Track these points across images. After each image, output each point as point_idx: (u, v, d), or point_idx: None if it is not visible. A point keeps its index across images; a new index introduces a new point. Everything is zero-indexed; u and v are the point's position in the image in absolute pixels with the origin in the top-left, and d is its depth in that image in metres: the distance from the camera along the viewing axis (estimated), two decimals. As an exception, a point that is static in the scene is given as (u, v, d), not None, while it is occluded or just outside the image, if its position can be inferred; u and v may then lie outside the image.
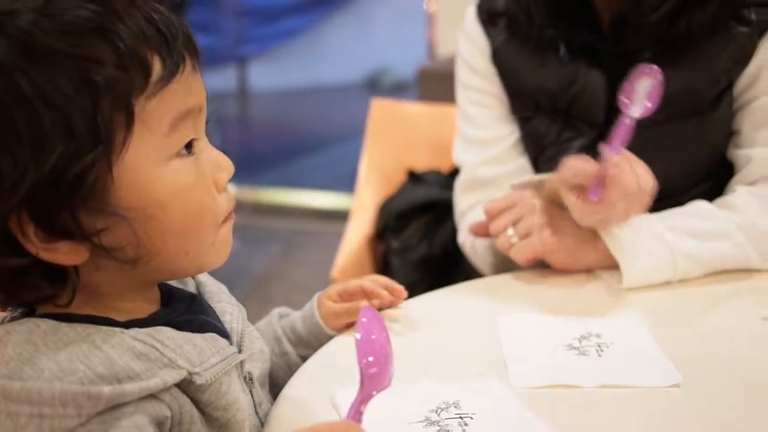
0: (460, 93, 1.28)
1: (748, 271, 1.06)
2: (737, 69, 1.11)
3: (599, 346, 0.87)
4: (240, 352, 0.74)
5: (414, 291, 1.01)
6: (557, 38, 1.17)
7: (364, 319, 0.64)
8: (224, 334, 0.74)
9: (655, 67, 1.00)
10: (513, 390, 0.80)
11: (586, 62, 1.15)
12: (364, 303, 0.91)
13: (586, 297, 1.02)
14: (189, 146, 0.67)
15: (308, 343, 0.91)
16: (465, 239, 1.25)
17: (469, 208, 1.25)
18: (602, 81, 1.14)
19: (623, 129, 1.00)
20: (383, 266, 1.49)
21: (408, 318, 0.95)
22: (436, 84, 2.26)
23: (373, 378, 0.62)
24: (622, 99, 1.01)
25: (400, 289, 0.95)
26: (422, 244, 1.34)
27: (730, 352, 0.87)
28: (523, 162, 1.24)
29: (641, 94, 1.00)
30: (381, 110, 1.74)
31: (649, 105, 1.00)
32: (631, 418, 0.76)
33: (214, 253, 0.70)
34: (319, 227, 3.48)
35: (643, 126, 1.11)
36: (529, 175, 1.20)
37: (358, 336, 0.63)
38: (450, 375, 0.82)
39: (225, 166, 0.70)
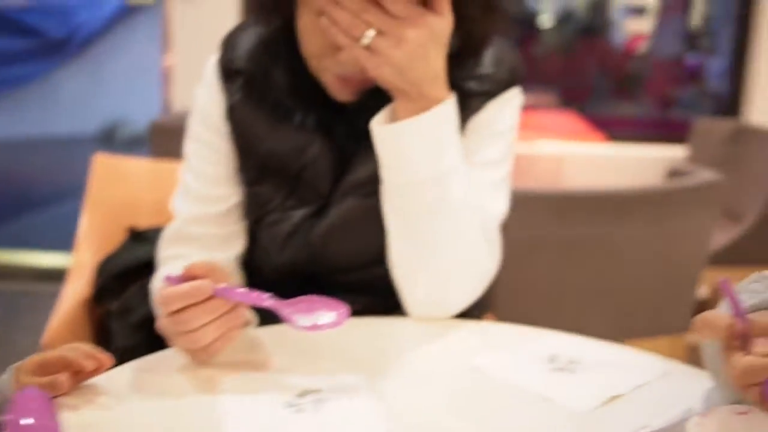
0: (190, 144, 1.24)
1: (459, 321, 1.12)
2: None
3: (317, 401, 0.88)
4: None
5: (133, 355, 0.96)
6: (294, 107, 1.17)
7: (20, 402, 0.58)
8: None
9: (346, 310, 0.95)
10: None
11: (320, 133, 1.16)
12: (62, 377, 0.84)
13: (308, 354, 1.02)
14: None
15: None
16: (156, 285, 1.21)
17: (170, 258, 1.22)
18: (333, 154, 1.16)
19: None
20: (101, 330, 1.41)
21: (116, 387, 0.90)
22: (169, 139, 2.23)
23: None
24: (294, 311, 0.94)
25: (106, 357, 0.88)
26: (143, 305, 1.28)
27: (443, 401, 0.91)
28: (237, 228, 1.23)
29: (322, 319, 0.94)
30: (103, 166, 1.67)
31: (317, 325, 0.93)
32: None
33: None
34: (45, 289, 3.25)
35: (364, 194, 1.14)
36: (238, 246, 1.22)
37: (7, 420, 0.57)
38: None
39: None
